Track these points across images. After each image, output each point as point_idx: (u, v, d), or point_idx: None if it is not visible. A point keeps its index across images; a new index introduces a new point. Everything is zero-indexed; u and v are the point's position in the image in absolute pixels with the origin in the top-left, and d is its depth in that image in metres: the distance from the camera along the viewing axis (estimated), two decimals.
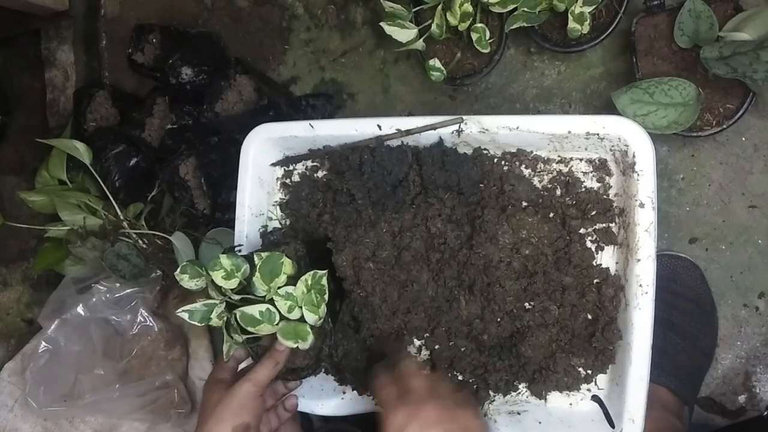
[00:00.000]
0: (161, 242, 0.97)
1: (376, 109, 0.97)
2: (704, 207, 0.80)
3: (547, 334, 0.68)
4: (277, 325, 0.65)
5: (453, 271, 0.72)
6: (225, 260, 0.65)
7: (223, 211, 0.94)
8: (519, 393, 0.72)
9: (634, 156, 0.64)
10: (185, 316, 0.66)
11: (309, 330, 0.66)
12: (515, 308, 0.70)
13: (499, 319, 0.71)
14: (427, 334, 0.76)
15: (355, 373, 0.76)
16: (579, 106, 0.86)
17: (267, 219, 0.82)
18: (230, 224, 0.82)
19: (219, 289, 0.67)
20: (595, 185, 0.70)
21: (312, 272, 0.66)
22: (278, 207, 0.83)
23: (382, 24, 0.81)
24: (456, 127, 0.71)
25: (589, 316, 0.69)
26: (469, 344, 0.73)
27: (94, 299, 0.98)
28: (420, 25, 0.82)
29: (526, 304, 0.71)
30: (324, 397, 0.76)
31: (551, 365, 0.69)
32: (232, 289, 0.66)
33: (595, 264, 0.69)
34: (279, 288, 0.66)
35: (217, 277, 0.65)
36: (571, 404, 0.70)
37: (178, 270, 0.68)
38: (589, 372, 0.69)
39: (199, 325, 0.67)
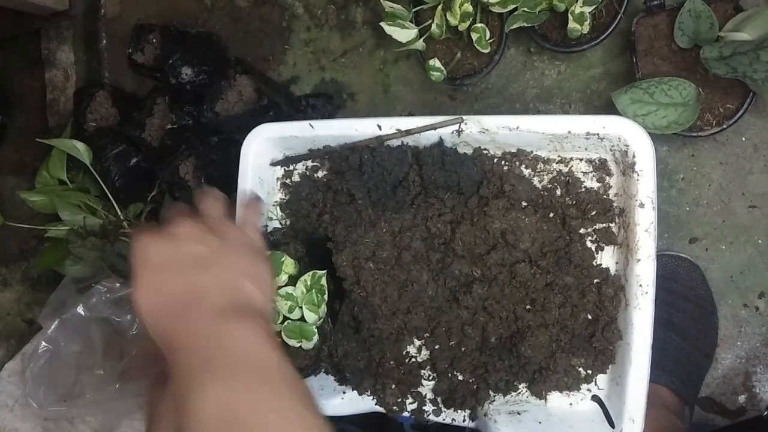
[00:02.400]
0: None
1: (376, 109, 0.97)
2: (704, 207, 0.80)
3: (547, 334, 0.68)
4: (281, 324, 0.66)
5: (453, 270, 0.72)
6: None
7: None
8: (519, 393, 0.72)
9: (634, 156, 0.64)
10: None
11: (315, 330, 0.66)
12: (516, 308, 0.70)
13: (499, 319, 0.71)
14: (427, 334, 0.76)
15: (355, 373, 0.76)
16: (579, 106, 0.86)
17: (267, 219, 0.82)
18: None
19: None
20: (595, 185, 0.70)
21: (311, 272, 0.66)
22: (278, 207, 0.83)
23: (382, 24, 0.81)
24: (456, 127, 0.71)
25: (589, 316, 0.69)
26: (469, 344, 0.73)
27: (94, 299, 0.98)
28: (420, 25, 0.82)
29: (527, 305, 0.70)
30: (324, 397, 0.76)
31: (551, 365, 0.69)
32: None
33: (595, 264, 0.69)
34: (279, 288, 0.66)
35: None
36: (571, 404, 0.70)
37: None
38: (589, 372, 0.69)
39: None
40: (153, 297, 0.45)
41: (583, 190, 0.70)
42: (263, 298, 0.49)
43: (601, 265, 0.69)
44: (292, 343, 0.67)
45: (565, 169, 0.72)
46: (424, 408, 0.74)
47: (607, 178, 0.70)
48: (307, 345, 0.67)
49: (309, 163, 0.82)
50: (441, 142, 0.73)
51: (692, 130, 0.73)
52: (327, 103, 0.98)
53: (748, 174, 0.79)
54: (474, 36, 0.79)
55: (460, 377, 0.74)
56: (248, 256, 0.50)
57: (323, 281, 0.66)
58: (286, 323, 0.66)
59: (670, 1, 0.75)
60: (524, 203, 0.71)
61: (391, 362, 0.76)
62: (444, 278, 0.73)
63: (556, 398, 0.70)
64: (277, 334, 0.67)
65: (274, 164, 0.82)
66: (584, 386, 0.70)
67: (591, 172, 0.71)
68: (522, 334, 0.70)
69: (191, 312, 0.44)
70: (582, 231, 0.70)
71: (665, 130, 0.71)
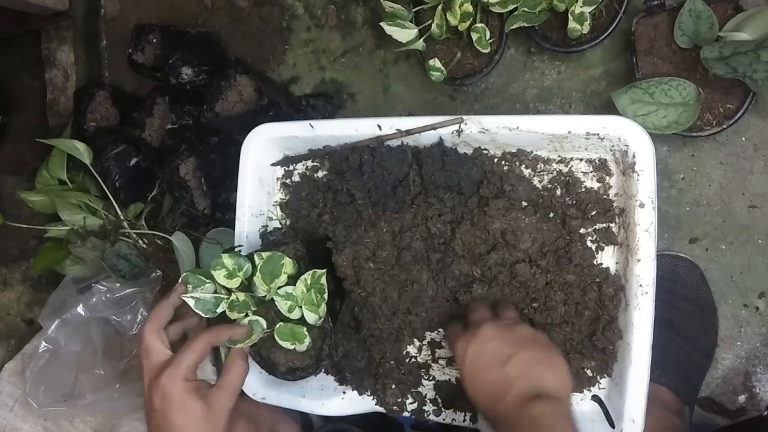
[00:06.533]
0: (161, 242, 0.97)
1: (376, 109, 0.97)
2: (704, 207, 0.80)
3: (561, 333, 0.68)
4: (268, 330, 0.66)
5: (453, 270, 0.72)
6: (227, 259, 0.65)
7: (223, 211, 0.94)
8: None
9: (634, 156, 0.64)
10: (191, 302, 0.65)
11: (306, 332, 0.66)
12: (517, 309, 0.70)
13: None
14: (428, 333, 0.76)
15: (355, 373, 0.76)
16: (579, 106, 0.86)
17: (267, 219, 0.82)
18: (230, 224, 0.82)
19: (225, 287, 0.67)
20: (595, 185, 0.70)
21: (311, 272, 0.66)
22: (278, 207, 0.83)
23: (382, 24, 0.81)
24: (456, 127, 0.71)
25: (591, 315, 0.69)
26: None
27: (94, 299, 0.98)
28: (420, 25, 0.82)
29: (534, 304, 0.70)
30: (324, 397, 0.76)
31: None
32: (235, 288, 0.67)
33: (595, 264, 0.69)
34: (279, 288, 0.66)
35: (219, 276, 0.65)
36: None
37: (180, 280, 0.68)
38: (595, 374, 0.69)
39: (203, 316, 0.67)
40: (479, 388, 0.61)
41: (583, 190, 0.70)
42: (557, 382, 0.59)
43: (601, 264, 0.69)
44: (286, 345, 0.67)
45: (565, 169, 0.72)
46: (424, 408, 0.74)
47: (607, 178, 0.70)
48: (300, 347, 0.67)
49: (309, 163, 0.82)
50: (441, 142, 0.73)
51: (692, 130, 0.73)
52: (327, 103, 0.98)
53: (748, 174, 0.79)
54: (474, 36, 0.79)
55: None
56: (539, 349, 0.61)
57: (323, 281, 0.66)
58: (278, 325, 0.66)
59: (670, 1, 0.75)
60: (524, 203, 0.71)
61: (391, 362, 0.76)
62: (444, 278, 0.73)
63: None
64: (270, 337, 0.67)
65: (274, 164, 0.82)
66: (586, 387, 0.70)
67: (591, 172, 0.71)
68: None
69: (502, 400, 0.58)
70: (582, 231, 0.70)
71: (665, 130, 0.71)
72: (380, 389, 0.75)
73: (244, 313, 0.66)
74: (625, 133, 0.65)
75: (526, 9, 0.75)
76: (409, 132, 0.72)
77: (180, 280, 0.69)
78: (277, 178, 0.83)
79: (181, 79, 0.96)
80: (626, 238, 0.66)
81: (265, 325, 0.67)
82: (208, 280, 0.68)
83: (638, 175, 0.64)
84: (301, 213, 0.81)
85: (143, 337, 0.65)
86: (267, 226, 0.82)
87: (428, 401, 0.75)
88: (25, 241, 1.21)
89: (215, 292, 0.68)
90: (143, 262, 0.96)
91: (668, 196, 0.81)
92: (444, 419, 0.74)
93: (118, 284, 0.98)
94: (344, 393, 0.77)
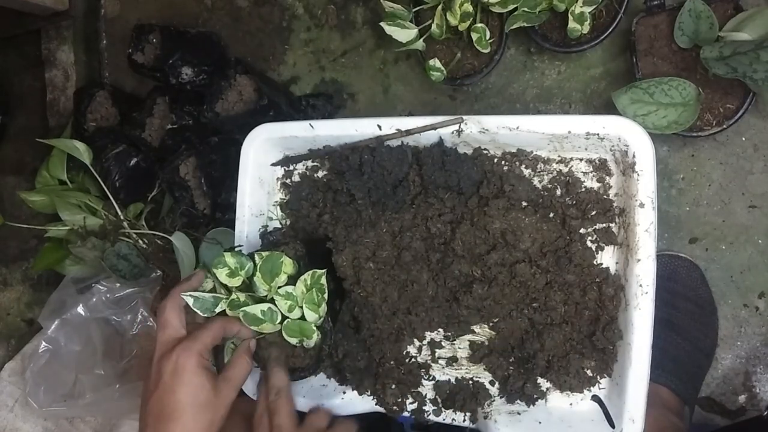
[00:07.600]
0: (161, 242, 0.97)
1: (376, 109, 0.97)
2: (704, 207, 0.80)
3: (561, 333, 0.68)
4: (279, 323, 0.66)
5: (453, 270, 0.72)
6: (229, 258, 0.65)
7: (223, 211, 0.94)
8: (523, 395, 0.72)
9: (634, 156, 0.64)
10: (190, 301, 0.65)
11: (315, 328, 0.66)
12: (516, 309, 0.70)
13: (499, 320, 0.71)
14: (428, 333, 0.76)
15: (355, 373, 0.76)
16: (579, 106, 0.86)
17: (267, 219, 0.82)
18: (230, 224, 0.82)
19: (225, 287, 0.67)
20: (595, 185, 0.70)
21: (311, 272, 0.66)
22: (278, 207, 0.83)
23: (382, 24, 0.81)
24: (456, 127, 0.71)
25: (591, 315, 0.69)
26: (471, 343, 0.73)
27: (94, 299, 0.98)
28: (420, 25, 0.82)
29: (534, 304, 0.70)
30: (324, 397, 0.76)
31: (564, 366, 0.68)
32: (236, 288, 0.67)
33: (595, 263, 0.69)
34: (279, 287, 0.66)
35: (222, 275, 0.65)
36: (571, 404, 0.70)
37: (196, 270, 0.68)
38: (595, 374, 0.69)
39: (201, 315, 0.67)
40: None
41: (583, 190, 0.70)
42: None
43: (601, 264, 0.69)
44: (293, 341, 0.67)
45: (565, 169, 0.72)
46: (424, 408, 0.74)
47: (607, 178, 0.70)
48: (309, 343, 0.67)
49: (309, 163, 0.82)
50: (441, 142, 0.73)
51: (692, 130, 0.73)
52: (327, 103, 0.98)
53: (748, 174, 0.79)
54: (474, 36, 0.79)
55: (461, 377, 0.74)
56: None
57: (323, 280, 0.66)
58: (285, 321, 0.66)
59: (670, 1, 0.75)
60: (524, 203, 0.71)
61: (391, 362, 0.76)
62: (444, 278, 0.73)
63: (556, 398, 0.70)
64: (278, 333, 0.67)
65: (274, 164, 0.82)
66: (586, 387, 0.70)
67: (591, 172, 0.71)
68: (539, 333, 0.70)
69: None
70: (582, 231, 0.70)
71: (665, 130, 0.71)
72: (380, 389, 0.75)
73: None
74: (625, 133, 0.65)
75: (526, 9, 0.75)
76: (409, 132, 0.72)
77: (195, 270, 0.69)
78: (277, 178, 0.83)
79: (181, 79, 0.96)
80: (626, 238, 0.66)
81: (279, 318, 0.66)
82: (208, 275, 0.68)
83: (638, 175, 0.64)
84: (301, 213, 0.81)
85: (163, 310, 0.64)
86: (267, 226, 0.82)
87: (428, 401, 0.75)
88: (25, 241, 1.21)
89: (212, 290, 0.68)
90: (143, 262, 0.96)
91: (668, 196, 0.81)
92: (444, 419, 0.74)
93: (118, 284, 0.99)
94: (344, 393, 0.77)
